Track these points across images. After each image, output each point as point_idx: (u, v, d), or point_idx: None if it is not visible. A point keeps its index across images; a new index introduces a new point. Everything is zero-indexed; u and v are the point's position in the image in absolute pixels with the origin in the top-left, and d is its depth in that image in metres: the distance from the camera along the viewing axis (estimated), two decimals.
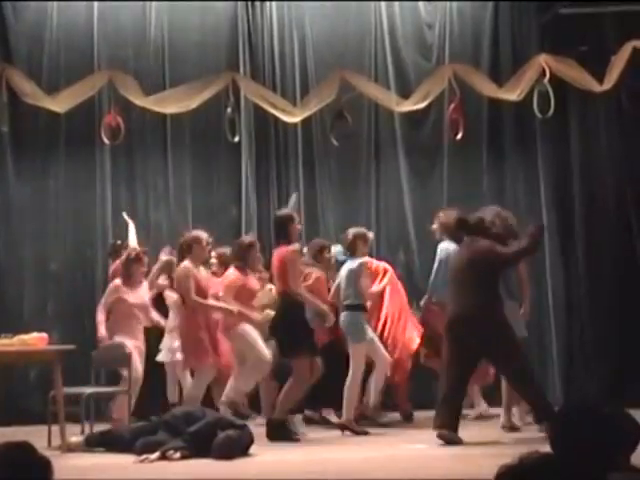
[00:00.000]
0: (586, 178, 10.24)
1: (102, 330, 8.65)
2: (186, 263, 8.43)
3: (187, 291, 8.35)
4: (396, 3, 10.29)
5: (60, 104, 8.92)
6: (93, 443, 7.59)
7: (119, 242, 9.25)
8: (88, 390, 8.25)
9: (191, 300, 8.37)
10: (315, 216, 10.21)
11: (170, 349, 8.86)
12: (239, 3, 10.07)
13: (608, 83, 9.02)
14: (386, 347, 8.53)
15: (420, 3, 10.35)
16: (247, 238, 8.91)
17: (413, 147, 10.36)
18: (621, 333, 9.83)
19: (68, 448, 7.43)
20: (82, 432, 7.96)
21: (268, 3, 10.15)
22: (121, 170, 10.01)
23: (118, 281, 8.70)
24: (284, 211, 8.39)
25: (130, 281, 8.66)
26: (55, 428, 7.61)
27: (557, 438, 3.02)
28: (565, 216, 10.30)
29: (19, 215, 9.91)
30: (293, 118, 9.34)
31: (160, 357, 8.92)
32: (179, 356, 8.75)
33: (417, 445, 7.44)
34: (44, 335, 7.81)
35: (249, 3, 10.09)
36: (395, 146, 10.34)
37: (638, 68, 9.10)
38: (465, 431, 7.54)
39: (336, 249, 8.89)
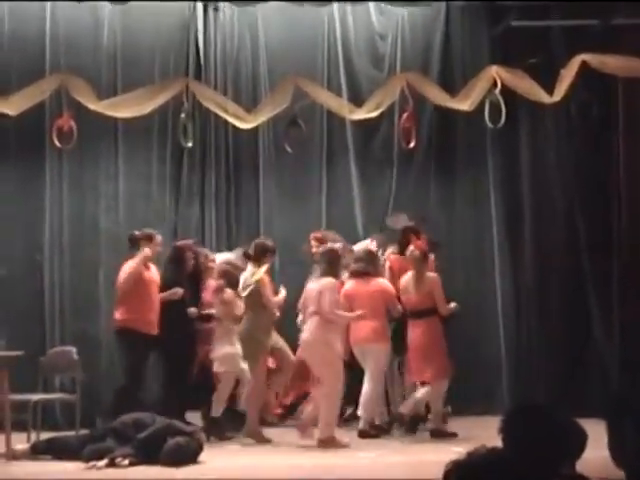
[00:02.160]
0: (535, 188, 10.36)
1: None
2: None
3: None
4: (349, 13, 10.33)
5: (12, 106, 8.80)
6: (39, 450, 7.50)
7: (137, 233, 9.09)
8: (35, 397, 8.16)
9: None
10: (264, 222, 10.20)
11: None
12: (192, 6, 10.02)
13: (557, 95, 9.13)
14: None
15: (373, 13, 10.40)
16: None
17: (364, 155, 10.42)
18: (569, 334, 9.99)
19: (14, 456, 7.32)
20: (28, 440, 7.87)
21: (222, 8, 10.13)
22: (71, 174, 9.92)
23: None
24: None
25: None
26: (0, 436, 7.50)
27: (507, 435, 3.05)
28: (514, 225, 10.40)
29: None
30: (246, 124, 9.33)
31: None
32: None
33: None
34: None
35: (202, 7, 10.07)
36: (347, 154, 10.38)
37: (586, 81, 9.22)
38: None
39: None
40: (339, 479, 6.00)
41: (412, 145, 9.47)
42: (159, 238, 8.94)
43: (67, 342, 9.26)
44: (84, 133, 9.26)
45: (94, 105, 8.91)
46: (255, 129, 9.72)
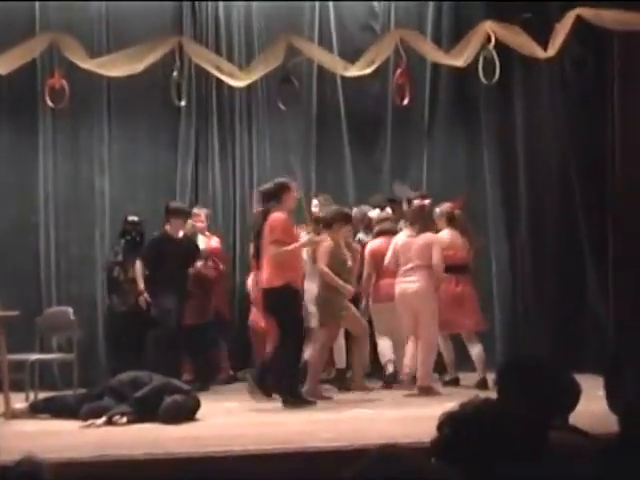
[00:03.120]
0: (529, 145, 10.33)
1: None
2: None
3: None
4: None
5: (2, 66, 8.73)
6: (38, 410, 7.54)
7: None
8: (33, 357, 8.20)
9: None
10: (258, 182, 10.19)
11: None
12: None
13: (552, 50, 9.07)
14: None
15: None
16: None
17: (356, 114, 10.38)
18: (564, 295, 10.02)
19: (12, 415, 7.37)
20: (27, 399, 7.91)
21: None
22: (64, 136, 9.88)
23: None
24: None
25: None
26: None
27: (502, 386, 3.08)
28: (508, 183, 10.39)
29: None
30: (239, 82, 9.27)
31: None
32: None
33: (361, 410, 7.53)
34: None
35: None
36: (338, 112, 10.35)
37: (581, 35, 9.17)
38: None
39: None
40: (333, 436, 6.04)
41: (406, 102, 9.43)
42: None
43: (63, 302, 9.28)
44: (76, 93, 9.20)
45: (85, 64, 8.84)
46: (248, 87, 9.67)
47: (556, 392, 3.07)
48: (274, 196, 8.03)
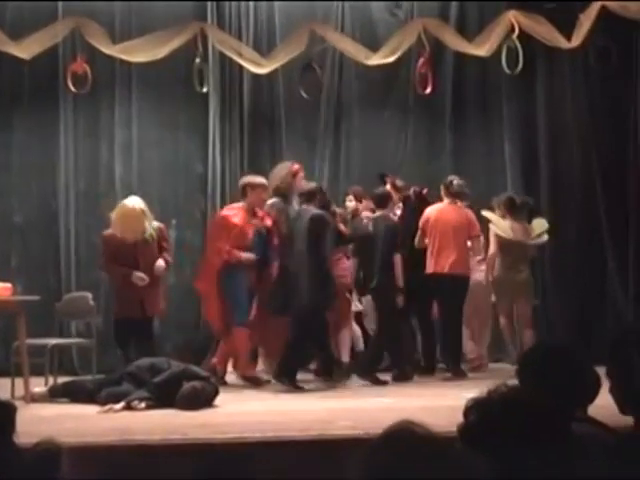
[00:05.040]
0: (551, 136, 10.28)
1: None
2: None
3: None
4: None
5: (25, 50, 8.75)
6: (57, 394, 7.58)
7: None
8: (52, 341, 8.24)
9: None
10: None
11: None
12: None
13: (576, 40, 9.03)
14: None
15: None
16: None
17: (378, 102, 10.34)
18: (584, 286, 10.01)
19: (32, 399, 7.41)
20: (46, 384, 7.95)
21: None
22: (85, 121, 9.89)
23: None
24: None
25: None
26: (18, 380, 7.57)
27: (526, 374, 3.06)
28: (529, 174, 10.35)
29: None
30: (262, 69, 9.26)
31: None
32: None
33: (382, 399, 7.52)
34: (8, 285, 7.75)
35: None
36: (360, 100, 10.31)
37: (605, 26, 9.10)
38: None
39: None
40: (351, 423, 6.03)
41: (428, 91, 9.39)
42: None
43: (83, 288, 9.30)
44: (98, 79, 9.21)
45: (108, 49, 8.85)
46: (271, 74, 9.64)
47: (580, 382, 3.06)
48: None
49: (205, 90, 9.43)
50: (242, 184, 8.63)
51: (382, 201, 8.70)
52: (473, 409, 2.38)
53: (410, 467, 1.96)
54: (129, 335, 8.23)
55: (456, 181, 9.00)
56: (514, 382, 2.69)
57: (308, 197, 8.37)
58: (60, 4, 9.58)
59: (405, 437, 2.01)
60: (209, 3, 9.92)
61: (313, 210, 8.26)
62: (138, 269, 8.18)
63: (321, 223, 8.18)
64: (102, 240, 8.49)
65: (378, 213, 8.68)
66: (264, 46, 9.94)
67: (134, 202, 8.32)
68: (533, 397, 2.47)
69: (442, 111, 10.36)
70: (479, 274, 9.13)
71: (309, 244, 8.13)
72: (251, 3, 10.07)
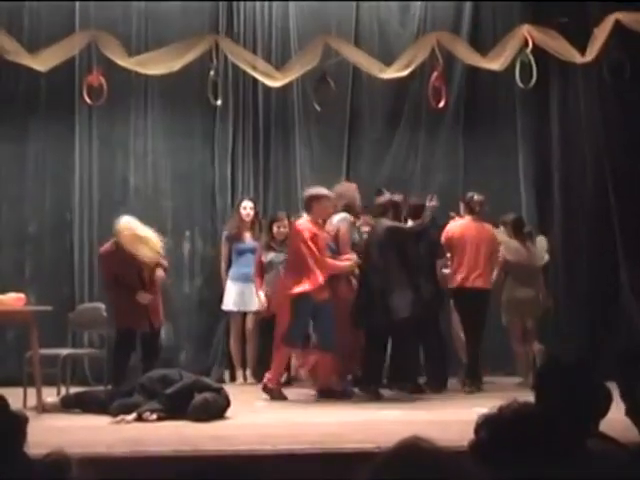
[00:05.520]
0: (565, 150, 10.27)
1: None
2: None
3: None
4: None
5: (41, 63, 8.80)
6: (69, 404, 7.59)
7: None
8: (65, 352, 8.26)
9: None
10: (292, 181, 10.21)
11: None
12: None
13: (590, 55, 9.02)
14: None
15: None
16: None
17: (391, 116, 10.36)
18: (597, 296, 10.01)
19: (44, 409, 7.42)
20: (58, 394, 7.97)
21: None
22: (101, 132, 9.95)
23: None
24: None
25: None
26: (31, 390, 7.60)
27: (541, 390, 3.06)
28: (543, 188, 10.34)
29: None
30: (276, 82, 9.29)
31: None
32: None
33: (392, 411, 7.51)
34: (21, 295, 7.78)
35: None
36: (373, 114, 10.33)
37: (620, 40, 9.09)
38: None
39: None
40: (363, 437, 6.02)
41: (442, 105, 9.40)
42: None
43: (96, 299, 9.33)
44: (114, 91, 9.27)
45: (124, 62, 8.90)
46: (285, 87, 9.68)
47: (594, 398, 3.06)
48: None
49: (219, 103, 9.46)
50: (306, 197, 8.56)
51: (384, 210, 8.68)
52: (484, 425, 2.38)
53: None
54: (132, 348, 8.25)
55: (476, 197, 9.04)
56: (526, 398, 2.69)
57: (383, 210, 8.58)
58: (77, 15, 9.65)
59: (412, 453, 2.02)
60: (223, 15, 9.98)
61: (387, 223, 8.44)
62: (142, 284, 8.17)
63: (397, 234, 8.42)
64: (101, 259, 8.49)
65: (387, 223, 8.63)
66: (278, 57, 9.99)
67: (136, 225, 8.29)
68: (546, 415, 2.47)
69: (455, 124, 10.38)
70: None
71: (388, 256, 8.26)
72: (266, 14, 10.12)
